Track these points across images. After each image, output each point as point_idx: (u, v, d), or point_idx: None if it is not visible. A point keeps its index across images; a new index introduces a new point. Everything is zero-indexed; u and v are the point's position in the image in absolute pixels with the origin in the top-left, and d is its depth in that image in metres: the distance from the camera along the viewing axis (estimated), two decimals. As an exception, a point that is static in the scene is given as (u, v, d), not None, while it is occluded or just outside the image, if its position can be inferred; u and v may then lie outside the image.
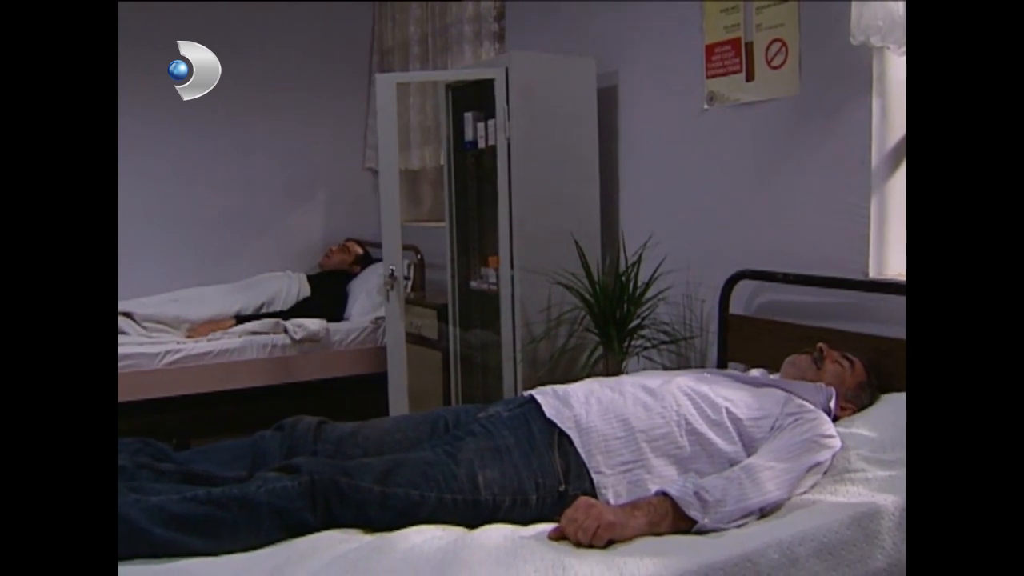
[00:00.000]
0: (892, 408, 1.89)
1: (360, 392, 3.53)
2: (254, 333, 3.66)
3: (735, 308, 2.55)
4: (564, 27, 3.29)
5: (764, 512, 1.54)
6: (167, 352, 3.45)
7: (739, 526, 1.48)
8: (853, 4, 2.06)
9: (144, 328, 3.63)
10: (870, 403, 1.97)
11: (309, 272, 4.36)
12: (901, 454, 1.70)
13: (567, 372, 2.92)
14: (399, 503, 1.47)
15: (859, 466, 1.70)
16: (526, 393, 1.83)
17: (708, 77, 2.62)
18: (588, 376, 2.14)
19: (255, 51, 4.31)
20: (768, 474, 1.55)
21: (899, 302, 2.10)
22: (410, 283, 4.12)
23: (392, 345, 2.86)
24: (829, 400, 1.86)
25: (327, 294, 4.14)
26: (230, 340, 3.61)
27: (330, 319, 3.89)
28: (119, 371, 3.31)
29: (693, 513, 1.45)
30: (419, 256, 4.03)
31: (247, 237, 4.48)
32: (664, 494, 1.48)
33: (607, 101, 3.02)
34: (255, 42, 4.35)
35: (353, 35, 4.75)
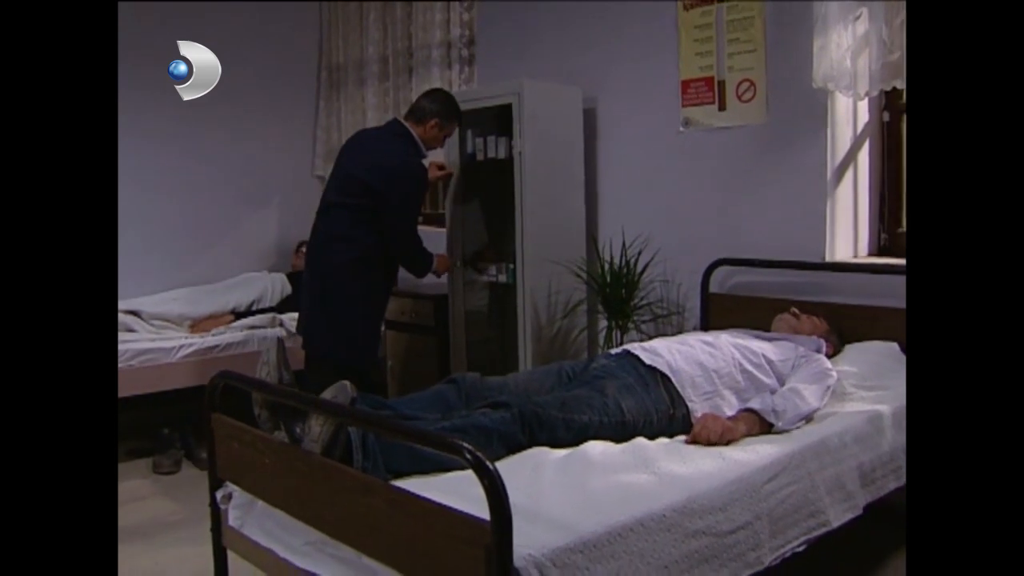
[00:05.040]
0: (860, 352, 2.67)
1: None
2: (253, 327, 3.97)
3: (711, 288, 3.24)
4: (537, 55, 3.85)
5: (808, 419, 2.21)
6: (180, 347, 3.70)
7: (798, 428, 2.15)
8: (815, 56, 2.80)
9: (152, 326, 3.83)
10: (840, 350, 2.72)
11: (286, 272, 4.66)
12: (877, 381, 2.46)
13: (563, 346, 3.52)
14: (576, 425, 2.02)
15: (851, 390, 2.45)
16: (615, 350, 2.42)
17: (683, 106, 3.30)
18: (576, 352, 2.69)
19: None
20: (807, 392, 2.23)
21: (848, 278, 2.88)
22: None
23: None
24: (821, 349, 2.58)
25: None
26: (233, 334, 3.89)
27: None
28: (139, 365, 3.56)
29: (771, 420, 2.10)
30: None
31: (207, 241, 4.71)
32: (749, 410, 2.12)
33: (587, 122, 3.63)
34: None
35: (301, 51, 5.10)
